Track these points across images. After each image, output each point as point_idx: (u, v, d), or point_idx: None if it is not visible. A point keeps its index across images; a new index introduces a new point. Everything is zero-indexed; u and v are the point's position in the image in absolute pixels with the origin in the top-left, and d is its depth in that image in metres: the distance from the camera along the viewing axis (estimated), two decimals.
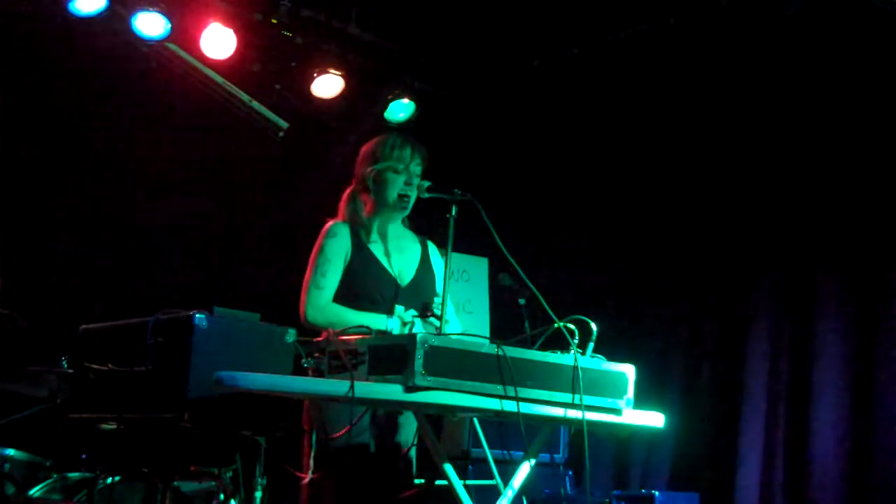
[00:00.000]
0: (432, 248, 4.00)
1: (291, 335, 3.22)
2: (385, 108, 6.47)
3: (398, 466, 3.62)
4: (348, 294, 3.68)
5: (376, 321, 3.54)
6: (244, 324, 3.18)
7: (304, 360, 3.20)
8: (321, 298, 3.65)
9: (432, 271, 3.92)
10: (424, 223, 3.95)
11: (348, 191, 3.90)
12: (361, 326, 3.38)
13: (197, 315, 3.06)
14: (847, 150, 5.74)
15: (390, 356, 3.05)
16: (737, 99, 6.03)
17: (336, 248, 3.73)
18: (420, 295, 3.74)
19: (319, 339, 3.28)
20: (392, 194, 3.80)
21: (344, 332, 3.29)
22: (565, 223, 6.79)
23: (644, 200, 6.53)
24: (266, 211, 6.45)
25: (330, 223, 3.80)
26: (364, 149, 3.90)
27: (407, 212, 3.84)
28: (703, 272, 6.28)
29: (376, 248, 3.79)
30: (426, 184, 3.76)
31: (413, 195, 3.80)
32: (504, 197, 6.38)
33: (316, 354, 3.22)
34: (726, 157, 6.18)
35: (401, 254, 3.86)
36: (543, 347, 3.35)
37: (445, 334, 3.27)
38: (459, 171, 5.94)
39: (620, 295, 6.56)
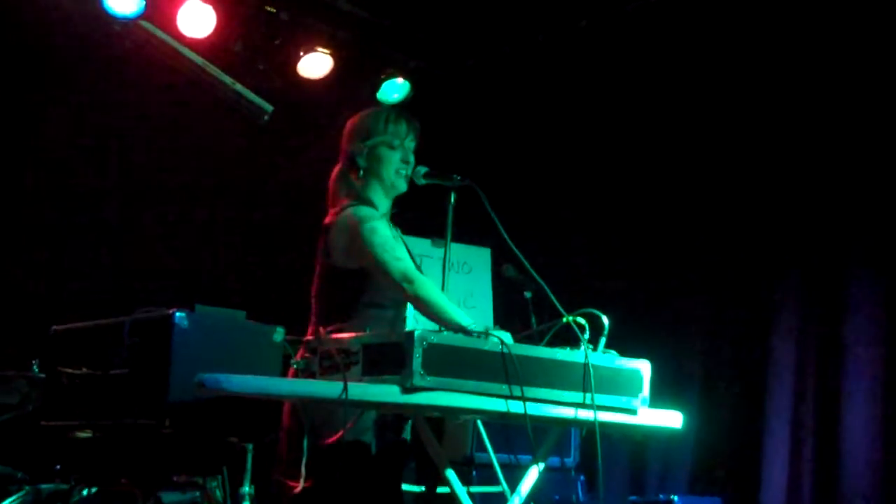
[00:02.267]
0: (400, 234, 3.99)
1: (279, 334, 3.23)
2: (377, 88, 6.46)
3: (402, 471, 3.62)
4: (358, 295, 3.62)
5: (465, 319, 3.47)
6: (228, 322, 3.19)
7: (293, 361, 3.20)
8: (414, 268, 3.58)
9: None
10: (409, 211, 3.95)
11: (336, 170, 3.85)
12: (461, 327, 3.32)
13: (177, 313, 3.06)
14: (880, 135, 5.72)
15: (386, 355, 3.05)
16: (760, 80, 6.01)
17: (388, 227, 3.66)
18: None
19: (309, 337, 3.28)
20: (389, 173, 3.76)
21: (342, 330, 3.29)
22: (575, 210, 6.78)
23: (661, 186, 6.51)
24: (250, 200, 6.45)
25: (353, 206, 3.69)
26: (352, 123, 3.85)
27: (403, 190, 3.80)
28: (723, 263, 6.26)
29: None
30: (423, 169, 3.76)
31: (410, 174, 3.78)
32: (507, 183, 6.36)
33: (306, 354, 3.21)
34: (750, 138, 6.17)
35: (400, 242, 3.84)
36: (551, 344, 3.35)
37: (445, 331, 3.28)
38: (458, 155, 5.97)
39: (635, 287, 6.55)
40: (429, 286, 3.52)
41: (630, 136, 6.58)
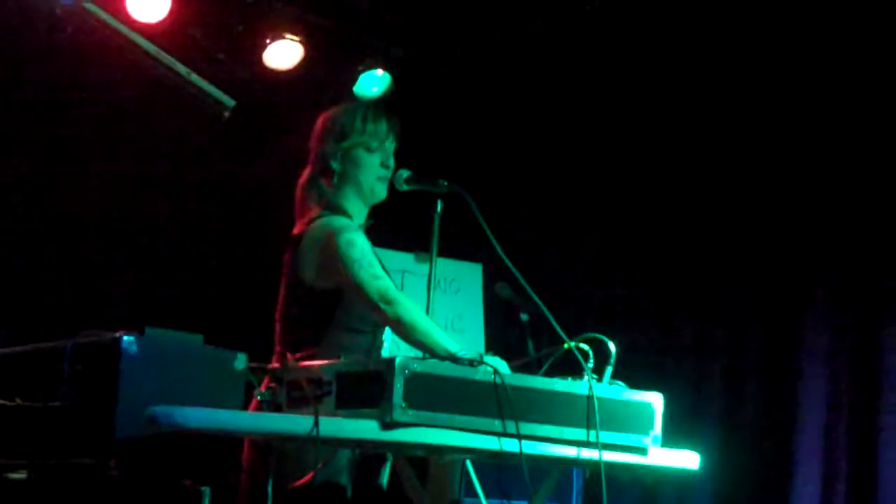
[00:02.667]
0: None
1: (241, 361, 3.21)
2: (354, 81, 6.47)
3: None
4: (331, 317, 3.64)
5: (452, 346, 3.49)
6: (183, 347, 3.18)
7: (256, 392, 3.20)
8: (394, 287, 3.59)
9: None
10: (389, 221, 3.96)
11: (306, 175, 3.86)
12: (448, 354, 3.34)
13: (125, 337, 3.05)
14: None
15: (363, 385, 3.05)
16: (780, 78, 6.07)
17: (366, 241, 3.68)
18: None
19: (274, 365, 3.28)
20: (367, 178, 3.78)
21: (313, 357, 3.29)
22: (578, 222, 6.80)
23: (673, 197, 6.55)
24: (208, 208, 6.44)
25: (327, 216, 3.72)
26: (325, 121, 3.86)
27: (383, 199, 3.82)
28: (744, 278, 6.28)
29: None
30: (405, 173, 3.77)
31: (390, 179, 3.80)
32: (501, 189, 6.39)
33: (271, 384, 3.22)
34: (770, 140, 6.20)
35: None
36: (551, 373, 3.36)
37: (430, 358, 3.28)
38: (445, 158, 5.98)
39: (644, 308, 6.57)
40: (411, 308, 3.53)
41: (642, 139, 6.60)
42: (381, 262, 3.71)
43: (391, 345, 3.73)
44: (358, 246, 3.60)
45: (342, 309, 3.63)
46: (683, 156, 6.47)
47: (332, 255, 3.61)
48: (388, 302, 3.54)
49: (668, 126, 6.48)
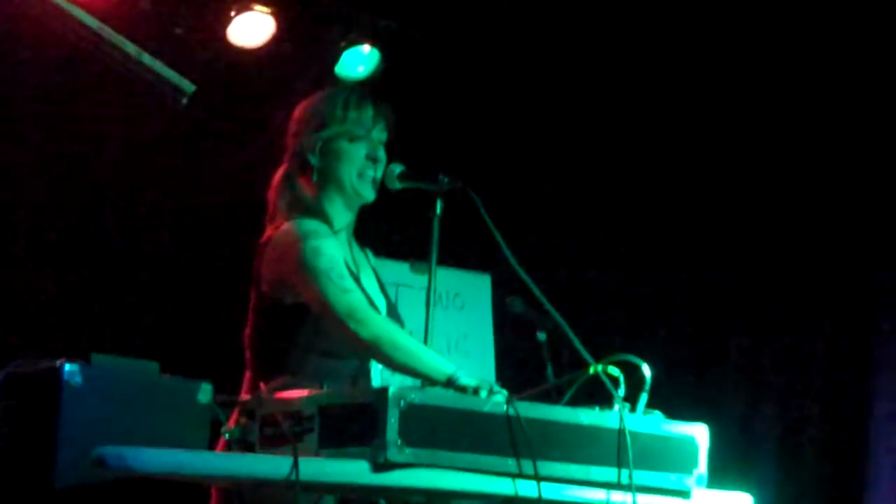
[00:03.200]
0: (372, 259, 4.02)
1: (205, 392, 3.21)
2: (336, 60, 6.47)
3: None
4: (305, 339, 3.65)
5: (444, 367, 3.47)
6: (136, 377, 3.18)
7: (224, 429, 3.19)
8: (366, 304, 3.60)
9: (388, 293, 3.94)
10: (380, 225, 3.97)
11: (280, 173, 3.88)
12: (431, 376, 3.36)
13: (67, 366, 3.05)
14: None
15: (351, 420, 3.05)
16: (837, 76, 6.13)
17: (339, 249, 3.69)
18: None
19: (245, 397, 3.28)
20: (350, 174, 3.79)
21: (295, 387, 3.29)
22: (601, 222, 6.81)
23: (721, 191, 6.58)
24: (165, 211, 6.44)
25: (296, 219, 3.74)
26: (302, 109, 3.88)
27: (370, 200, 3.83)
28: (804, 282, 6.29)
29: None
30: (398, 168, 3.78)
31: (379, 174, 3.81)
32: (512, 186, 6.40)
33: (242, 420, 3.22)
34: (826, 137, 6.25)
35: (361, 269, 3.87)
36: (574, 403, 3.36)
37: (429, 387, 3.28)
38: (445, 149, 5.98)
39: (684, 323, 6.57)
40: (388, 326, 3.54)
41: (684, 124, 6.64)
42: (376, 276, 3.72)
43: (385, 372, 3.72)
44: (325, 255, 3.61)
45: (312, 329, 3.65)
46: (728, 145, 6.51)
47: (294, 266, 3.63)
48: (359, 321, 3.53)
49: (716, 112, 6.52)
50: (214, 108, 6.21)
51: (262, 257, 3.74)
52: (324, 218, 3.76)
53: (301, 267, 3.62)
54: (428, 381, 3.39)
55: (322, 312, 3.59)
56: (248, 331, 3.78)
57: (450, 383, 3.32)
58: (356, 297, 3.58)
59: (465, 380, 3.34)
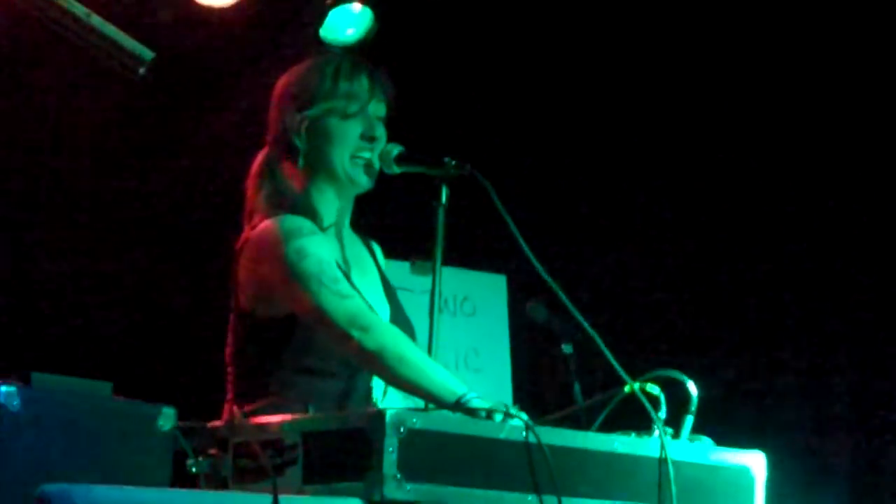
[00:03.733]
0: (379, 254, 4.02)
1: (168, 418, 3.20)
2: (321, 21, 6.46)
3: None
4: (288, 356, 3.65)
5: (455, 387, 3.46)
6: (87, 400, 3.17)
7: (190, 462, 3.19)
8: (368, 309, 3.60)
9: (397, 297, 3.94)
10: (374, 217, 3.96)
11: (259, 159, 3.89)
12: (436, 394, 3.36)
13: (3, 387, 3.04)
14: None
15: (341, 450, 3.05)
16: None
17: (328, 248, 3.70)
18: None
19: (215, 423, 3.27)
20: (342, 157, 3.79)
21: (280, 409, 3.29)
22: (639, 213, 6.81)
23: (771, 175, 6.61)
24: (119, 200, 6.44)
25: (277, 216, 3.73)
26: (284, 83, 3.88)
27: (367, 187, 3.83)
28: (880, 289, 6.31)
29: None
30: (396, 149, 3.78)
31: (377, 156, 3.80)
32: (530, 172, 6.41)
33: (211, 450, 3.21)
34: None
35: (359, 269, 3.87)
36: (607, 427, 3.37)
37: (434, 410, 3.28)
38: (451, 128, 5.97)
39: (736, 332, 6.57)
40: (395, 336, 3.53)
41: (732, 111, 6.67)
42: (383, 279, 3.71)
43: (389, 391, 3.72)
44: (313, 256, 3.60)
45: (301, 345, 3.65)
46: (789, 151, 6.58)
47: (278, 272, 3.63)
48: (363, 328, 3.52)
49: (778, 119, 6.59)
50: (177, 79, 6.20)
51: (238, 264, 3.74)
52: (310, 212, 3.76)
53: (286, 273, 3.61)
54: (434, 401, 3.37)
55: (317, 322, 3.58)
56: (228, 349, 3.78)
57: (459, 405, 3.31)
58: (356, 303, 3.58)
59: (478, 401, 3.32)
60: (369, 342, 3.51)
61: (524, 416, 3.23)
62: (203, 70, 6.44)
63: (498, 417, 3.21)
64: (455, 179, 3.72)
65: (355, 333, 3.52)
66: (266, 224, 3.71)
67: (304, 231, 3.67)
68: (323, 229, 3.76)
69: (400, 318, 3.84)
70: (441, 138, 4.26)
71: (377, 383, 3.70)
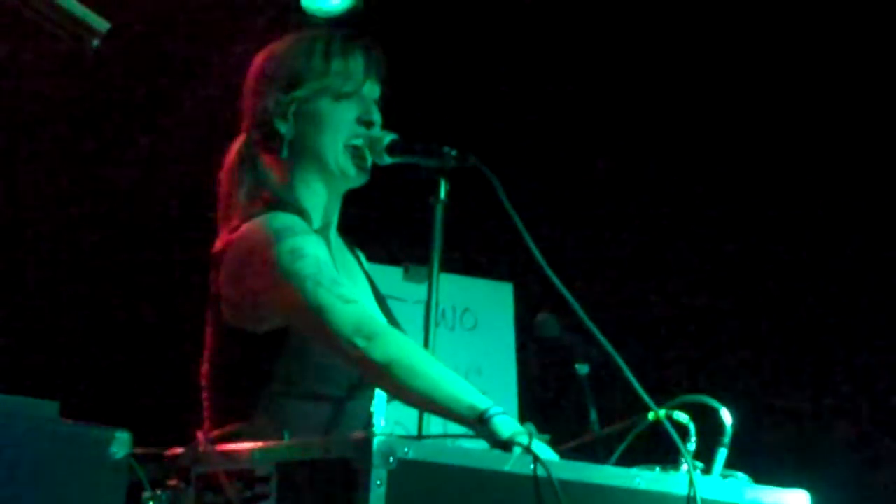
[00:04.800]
0: (363, 260, 4.04)
1: (122, 444, 3.20)
2: None
3: None
4: (272, 374, 3.65)
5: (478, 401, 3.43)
6: (28, 422, 3.17)
7: (146, 495, 3.19)
8: (373, 315, 3.59)
9: (388, 307, 3.95)
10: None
11: (235, 149, 3.88)
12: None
13: None
14: None
15: (321, 483, 3.04)
16: None
17: (325, 250, 3.68)
18: None
19: (177, 450, 3.27)
20: (333, 146, 3.79)
21: (238, 437, 3.30)
22: (666, 209, 6.83)
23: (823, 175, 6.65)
24: (68, 195, 6.45)
25: (262, 215, 3.72)
26: (264, 61, 3.88)
27: (361, 181, 3.84)
28: None
29: None
30: (388, 136, 3.77)
31: (369, 147, 3.80)
32: (540, 163, 6.41)
33: (171, 481, 3.21)
34: None
35: (350, 276, 3.87)
36: (627, 461, 3.37)
37: (429, 437, 3.28)
38: (447, 110, 5.98)
39: (778, 352, 6.60)
40: (403, 344, 3.50)
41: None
42: (372, 286, 3.71)
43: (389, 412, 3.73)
44: (310, 257, 3.58)
45: (287, 361, 3.64)
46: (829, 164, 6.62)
47: (268, 278, 3.61)
48: (369, 336, 3.48)
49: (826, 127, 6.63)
50: (136, 54, 6.22)
51: (219, 271, 3.71)
52: (296, 209, 3.75)
53: (279, 276, 3.57)
54: (451, 418, 3.36)
55: (316, 331, 3.55)
56: (204, 368, 3.78)
57: (481, 423, 3.29)
58: (360, 308, 3.55)
59: (502, 420, 3.30)
60: (376, 352, 3.46)
61: (545, 446, 3.23)
62: (167, 45, 6.46)
63: (522, 444, 3.18)
64: (455, 172, 3.72)
65: (360, 342, 3.47)
66: (251, 224, 3.67)
67: (297, 229, 3.64)
68: (315, 230, 3.76)
69: None
70: (438, 126, 4.24)
71: (378, 409, 3.69)
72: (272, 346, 3.64)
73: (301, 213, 3.74)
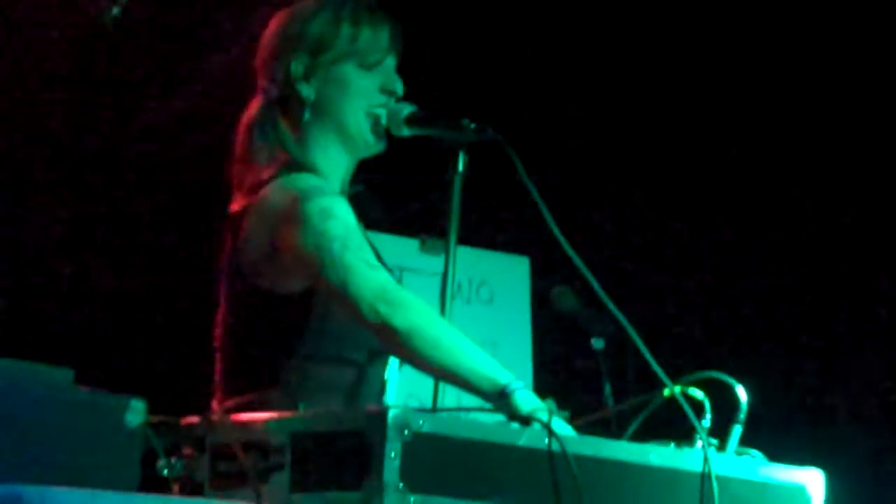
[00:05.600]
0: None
1: (136, 412, 3.20)
2: None
3: None
4: (299, 337, 3.65)
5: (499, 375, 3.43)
6: (43, 390, 3.17)
7: (161, 463, 3.19)
8: (396, 284, 3.57)
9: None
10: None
11: (253, 108, 3.85)
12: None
13: None
14: None
15: (335, 454, 3.03)
16: None
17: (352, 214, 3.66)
18: None
19: (192, 419, 3.27)
20: (356, 113, 3.77)
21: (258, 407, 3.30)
22: (688, 184, 6.82)
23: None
24: (89, 162, 6.45)
25: (285, 176, 3.70)
26: (283, 23, 3.85)
27: (379, 149, 3.81)
28: None
29: None
30: (407, 108, 3.76)
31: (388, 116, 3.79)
32: (561, 136, 6.40)
33: (185, 450, 3.21)
34: None
35: None
36: (641, 436, 3.37)
37: (444, 410, 3.27)
38: (468, 81, 5.97)
39: (794, 328, 6.58)
40: (427, 315, 3.47)
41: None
42: (374, 249, 3.70)
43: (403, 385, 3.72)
44: (339, 219, 3.57)
45: (315, 323, 3.64)
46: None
47: (297, 234, 3.59)
48: (392, 303, 3.46)
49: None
50: (156, 21, 6.21)
51: (235, 233, 3.71)
52: (317, 173, 3.74)
53: (307, 235, 3.56)
54: (472, 391, 3.35)
55: (339, 293, 3.52)
56: (219, 333, 3.78)
57: (501, 397, 3.29)
58: (384, 275, 3.55)
59: (523, 394, 3.30)
60: (398, 319, 3.44)
61: (563, 423, 3.22)
62: (184, 15, 6.44)
63: (541, 420, 3.17)
64: (474, 146, 3.72)
65: (382, 308, 3.45)
66: (275, 184, 3.67)
67: (326, 190, 3.65)
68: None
69: None
70: (455, 96, 4.23)
71: (392, 377, 3.70)
72: (297, 307, 3.64)
73: (320, 176, 3.74)
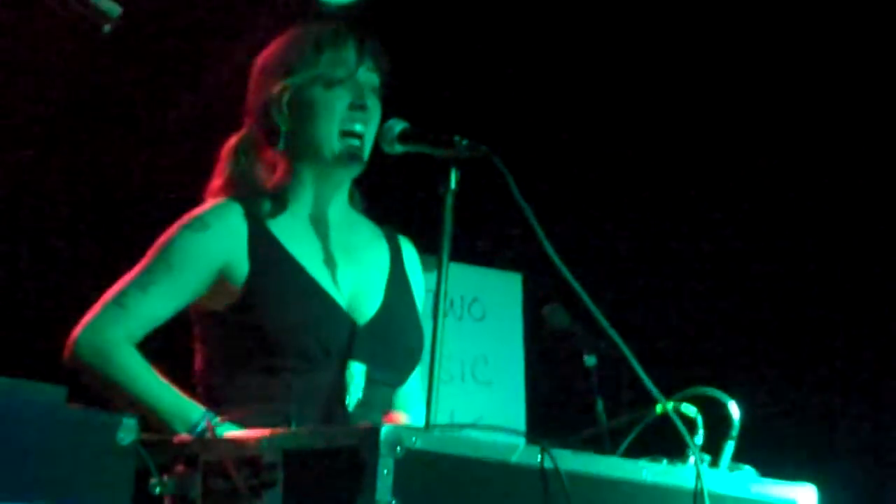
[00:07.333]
0: (409, 252, 4.03)
1: (129, 430, 3.20)
2: None
3: None
4: (248, 346, 3.71)
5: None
6: (36, 408, 3.17)
7: (153, 481, 3.19)
8: (116, 326, 3.76)
9: (411, 297, 3.95)
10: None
11: (236, 137, 3.91)
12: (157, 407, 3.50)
13: None
14: None
15: (328, 471, 3.05)
16: None
17: (200, 252, 3.76)
18: (392, 345, 3.77)
19: (185, 437, 3.27)
20: (328, 134, 3.79)
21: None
22: (679, 200, 6.83)
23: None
24: (76, 180, 6.45)
25: (208, 204, 3.82)
26: (265, 56, 3.90)
27: (359, 168, 3.84)
28: None
29: (302, 250, 3.81)
30: (399, 125, 3.76)
31: (370, 133, 3.81)
32: (552, 154, 6.41)
33: (178, 467, 3.22)
34: None
35: (351, 259, 3.88)
36: (634, 453, 3.36)
37: (437, 427, 3.28)
38: (460, 100, 5.97)
39: (786, 345, 6.59)
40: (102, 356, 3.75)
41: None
42: (294, 268, 3.77)
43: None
44: (180, 237, 3.76)
45: (240, 334, 3.74)
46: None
47: None
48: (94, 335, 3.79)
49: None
50: (149, 38, 6.22)
51: None
52: (279, 199, 3.83)
53: None
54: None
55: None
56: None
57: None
58: (119, 315, 3.79)
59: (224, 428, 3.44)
60: (79, 344, 3.81)
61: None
62: (177, 34, 6.45)
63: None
64: (467, 162, 3.72)
65: (79, 334, 3.80)
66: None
67: (197, 226, 3.79)
68: (283, 221, 3.82)
69: (395, 322, 3.87)
70: (447, 114, 4.24)
71: (354, 382, 3.73)
72: (222, 322, 3.76)
73: (280, 202, 3.84)
